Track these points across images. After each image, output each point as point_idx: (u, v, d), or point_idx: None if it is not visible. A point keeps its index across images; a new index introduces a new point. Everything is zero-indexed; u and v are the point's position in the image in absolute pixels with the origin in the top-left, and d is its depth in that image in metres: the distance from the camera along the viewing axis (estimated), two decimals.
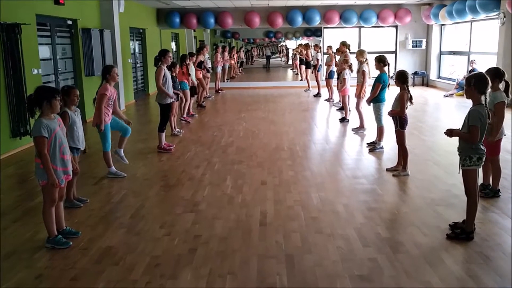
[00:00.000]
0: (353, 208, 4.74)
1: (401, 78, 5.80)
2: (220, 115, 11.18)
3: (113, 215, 4.71)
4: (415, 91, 14.84)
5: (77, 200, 5.00)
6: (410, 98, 5.80)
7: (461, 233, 3.95)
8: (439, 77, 16.87)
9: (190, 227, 4.33)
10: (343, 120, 9.82)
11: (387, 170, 6.10)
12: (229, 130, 9.17)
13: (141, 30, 15.16)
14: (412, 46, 17.08)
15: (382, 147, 7.16)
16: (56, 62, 9.43)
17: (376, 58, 7.12)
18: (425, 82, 17.10)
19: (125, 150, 7.08)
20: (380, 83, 6.99)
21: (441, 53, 16.86)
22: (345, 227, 4.25)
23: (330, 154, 7.24)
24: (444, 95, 13.95)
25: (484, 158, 4.00)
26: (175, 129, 8.76)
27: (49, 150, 3.85)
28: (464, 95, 4.18)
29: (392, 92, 6.64)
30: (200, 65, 11.84)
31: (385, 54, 7.42)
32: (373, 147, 7.22)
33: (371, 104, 7.18)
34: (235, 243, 3.97)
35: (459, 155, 4.04)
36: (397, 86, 5.88)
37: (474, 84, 3.88)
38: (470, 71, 13.75)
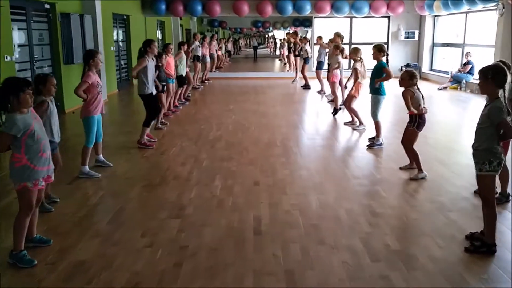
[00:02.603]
0: (357, 214, 4.28)
1: (410, 76, 5.33)
2: (207, 107, 10.64)
3: (88, 221, 4.18)
4: None
5: (47, 198, 4.48)
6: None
7: (482, 245, 3.50)
8: (431, 69, 16.51)
9: (175, 236, 3.83)
10: (336, 112, 9.36)
11: (401, 168, 5.67)
12: (217, 123, 8.65)
13: (124, 17, 14.49)
14: (405, 38, 16.68)
15: (381, 144, 6.72)
16: (32, 49, 8.78)
17: (376, 46, 6.69)
18: (417, 74, 16.68)
19: (106, 144, 6.58)
20: (387, 68, 6.56)
21: (434, 45, 16.49)
22: (350, 237, 3.79)
23: (325, 150, 6.78)
24: (438, 88, 13.58)
25: (503, 163, 3.57)
26: (159, 122, 8.20)
27: (28, 149, 3.34)
28: (479, 90, 3.70)
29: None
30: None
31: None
32: (372, 143, 6.77)
33: (371, 96, 6.74)
34: (227, 256, 3.49)
35: (474, 158, 3.60)
36: (402, 85, 5.40)
37: (492, 77, 3.44)
38: (464, 64, 13.43)
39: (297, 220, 4.13)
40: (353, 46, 8.54)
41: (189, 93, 12.12)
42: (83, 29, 10.30)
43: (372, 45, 6.83)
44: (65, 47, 9.77)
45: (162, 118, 8.53)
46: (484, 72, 3.49)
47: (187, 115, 9.60)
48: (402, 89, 5.42)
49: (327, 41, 11.97)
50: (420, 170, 5.33)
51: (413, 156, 5.41)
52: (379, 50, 6.64)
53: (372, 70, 6.77)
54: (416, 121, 5.34)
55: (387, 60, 6.81)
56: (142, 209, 4.49)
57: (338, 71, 9.39)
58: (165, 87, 8.94)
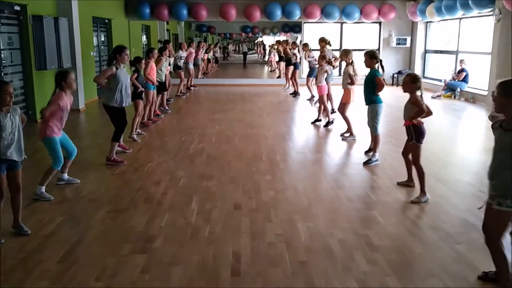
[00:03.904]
0: (352, 246, 3.70)
1: (413, 80, 4.79)
2: (191, 116, 10.03)
3: (36, 257, 3.53)
4: (400, 92, 13.95)
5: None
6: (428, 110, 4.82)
7: None
8: (424, 77, 16.06)
9: (137, 277, 3.22)
10: (328, 124, 8.82)
11: (398, 184, 5.24)
12: (199, 134, 8.05)
13: (106, 21, 13.86)
14: (396, 44, 16.24)
15: (377, 160, 6.18)
16: (0, 54, 8.14)
17: (368, 53, 6.18)
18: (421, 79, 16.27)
19: (74, 158, 5.95)
20: (379, 78, 6.09)
21: (426, 51, 16.08)
22: (345, 279, 3.21)
23: (315, 166, 6.21)
24: (432, 97, 13.10)
25: None
26: (134, 132, 7.56)
27: None
28: (494, 108, 3.09)
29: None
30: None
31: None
32: (369, 159, 6.21)
33: (367, 106, 6.21)
34: None
35: (493, 190, 2.98)
36: (405, 91, 4.87)
37: None
38: (459, 72, 12.99)
39: (283, 255, 3.54)
40: (343, 48, 8.00)
41: (170, 100, 11.55)
42: (57, 32, 9.67)
43: (364, 52, 6.31)
44: (38, 52, 9.12)
45: (138, 127, 7.94)
46: (506, 87, 2.89)
47: (168, 125, 8.99)
48: (405, 96, 4.93)
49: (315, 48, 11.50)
50: (423, 191, 4.78)
51: (419, 174, 4.84)
52: (371, 57, 6.15)
53: (364, 78, 6.26)
54: (413, 133, 4.81)
55: (382, 66, 6.30)
56: (103, 241, 3.86)
57: (323, 83, 8.85)
58: (143, 93, 8.40)
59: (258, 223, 4.16)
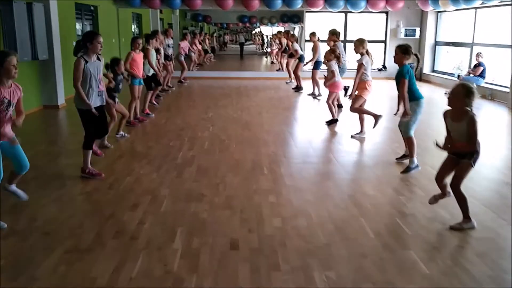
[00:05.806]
0: None
1: (467, 93, 3.72)
2: (181, 114, 8.93)
3: None
4: None
5: None
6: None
7: None
8: (433, 70, 15.05)
9: None
10: (331, 122, 7.88)
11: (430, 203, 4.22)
12: (190, 137, 6.99)
13: (92, 8, 12.70)
14: (404, 35, 15.17)
15: (417, 166, 5.31)
16: None
17: (400, 47, 5.26)
18: (418, 76, 15.22)
19: (37, 171, 4.92)
20: (405, 79, 5.19)
21: (436, 43, 15.02)
22: None
23: (327, 181, 5.15)
24: (445, 93, 12.09)
25: None
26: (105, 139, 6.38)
27: None
28: None
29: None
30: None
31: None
32: (407, 167, 5.29)
33: (409, 104, 5.26)
34: None
35: None
36: (453, 105, 3.82)
37: None
38: (475, 66, 11.94)
39: None
40: (357, 38, 7.06)
41: (160, 95, 10.50)
42: (31, 19, 8.57)
43: (396, 46, 5.37)
44: (7, 41, 8.02)
45: (122, 129, 6.93)
46: None
47: (155, 126, 7.91)
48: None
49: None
50: (467, 218, 3.82)
51: (460, 199, 3.86)
52: (404, 52, 5.23)
53: (395, 75, 5.34)
54: (473, 153, 3.78)
55: (418, 63, 5.41)
56: None
57: (336, 79, 7.92)
58: (130, 89, 7.48)
59: (262, 272, 3.11)
